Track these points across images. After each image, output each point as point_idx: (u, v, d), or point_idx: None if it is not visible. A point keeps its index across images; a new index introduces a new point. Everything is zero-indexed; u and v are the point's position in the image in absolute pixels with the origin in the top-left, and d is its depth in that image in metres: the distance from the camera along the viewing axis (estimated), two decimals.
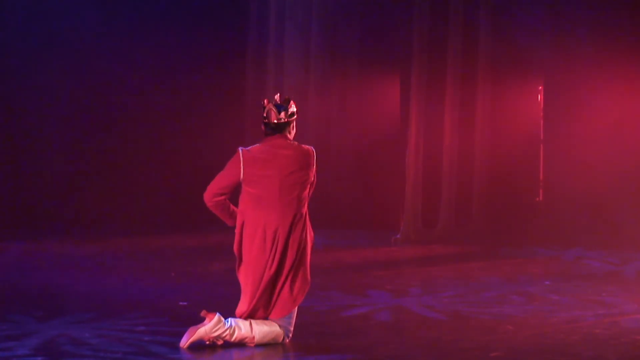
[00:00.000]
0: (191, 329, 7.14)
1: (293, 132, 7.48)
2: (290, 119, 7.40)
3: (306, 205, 7.35)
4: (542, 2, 14.63)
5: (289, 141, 7.38)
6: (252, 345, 7.15)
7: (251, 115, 16.66)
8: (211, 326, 7.12)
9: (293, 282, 7.24)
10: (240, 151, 7.33)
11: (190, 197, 16.12)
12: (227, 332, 7.14)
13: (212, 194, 7.38)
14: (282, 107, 7.38)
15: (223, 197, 7.39)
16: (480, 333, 7.80)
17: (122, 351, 6.99)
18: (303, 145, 7.40)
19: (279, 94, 7.56)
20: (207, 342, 7.16)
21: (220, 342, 7.16)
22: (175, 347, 7.11)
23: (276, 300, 7.22)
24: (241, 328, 7.15)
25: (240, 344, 7.16)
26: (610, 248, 12.96)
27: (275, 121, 7.35)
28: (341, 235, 14.51)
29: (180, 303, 8.96)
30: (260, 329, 7.17)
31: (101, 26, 15.92)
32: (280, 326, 7.20)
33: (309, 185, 7.35)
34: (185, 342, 7.11)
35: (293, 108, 7.43)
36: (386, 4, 15.77)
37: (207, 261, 11.87)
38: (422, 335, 7.75)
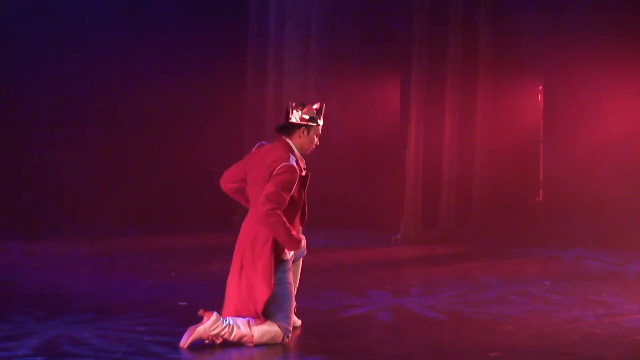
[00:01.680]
0: (190, 328, 7.15)
1: (305, 139, 7.22)
2: (302, 123, 7.21)
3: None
4: (542, 2, 14.64)
5: (283, 147, 7.20)
6: (251, 344, 7.15)
7: (251, 115, 16.67)
8: (209, 324, 7.12)
9: (250, 289, 7.16)
10: (256, 145, 7.37)
11: (190, 197, 16.21)
12: (226, 330, 7.14)
13: (223, 180, 7.51)
14: (298, 108, 7.28)
15: (235, 186, 7.44)
16: (480, 333, 7.80)
17: (122, 351, 6.99)
18: (284, 159, 7.14)
19: (319, 104, 7.38)
20: (207, 341, 7.16)
21: (219, 341, 7.16)
22: (175, 347, 7.11)
23: (237, 299, 7.22)
24: (240, 326, 7.16)
25: (240, 343, 7.17)
26: (610, 248, 12.96)
27: (292, 120, 7.29)
28: (341, 235, 14.51)
29: (180, 303, 8.96)
30: (259, 328, 7.17)
31: (101, 27, 15.92)
32: (279, 326, 7.20)
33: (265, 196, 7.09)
34: (184, 341, 7.11)
35: (312, 114, 7.23)
36: (386, 4, 15.77)
37: (207, 261, 11.87)
38: (422, 335, 7.75)
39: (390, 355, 7.12)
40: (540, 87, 15.09)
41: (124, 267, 11.51)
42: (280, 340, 7.20)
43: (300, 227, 7.41)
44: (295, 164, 7.15)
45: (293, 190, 7.14)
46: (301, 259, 7.66)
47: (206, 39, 16.50)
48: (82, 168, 16.04)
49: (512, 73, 14.90)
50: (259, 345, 7.16)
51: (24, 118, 15.78)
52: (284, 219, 7.11)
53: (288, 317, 7.23)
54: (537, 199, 15.14)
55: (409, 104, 14.48)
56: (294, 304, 7.42)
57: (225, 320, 7.16)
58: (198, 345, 7.14)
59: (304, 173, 7.27)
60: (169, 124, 16.46)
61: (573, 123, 14.31)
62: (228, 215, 15.52)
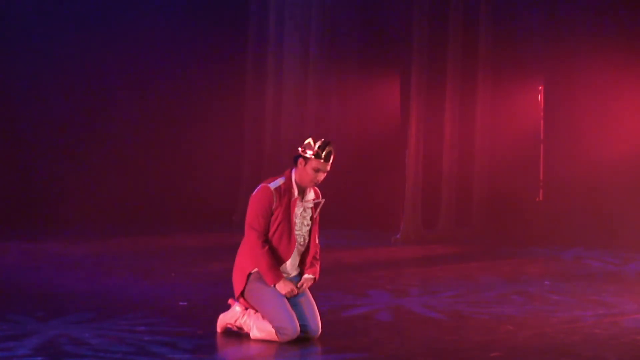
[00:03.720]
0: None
1: (302, 170, 7.31)
2: (300, 153, 7.33)
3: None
4: (541, 2, 14.64)
5: (282, 174, 7.39)
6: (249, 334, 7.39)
7: (251, 116, 16.67)
8: (229, 312, 7.51)
9: None
10: None
11: (189, 197, 16.21)
12: (240, 320, 7.44)
13: None
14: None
15: None
16: (480, 333, 7.80)
17: (122, 351, 6.99)
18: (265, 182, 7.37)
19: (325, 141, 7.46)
20: (234, 329, 7.50)
21: (238, 330, 7.47)
22: (176, 347, 7.11)
23: None
24: (251, 318, 7.39)
25: (242, 342, 7.22)
26: (610, 248, 12.96)
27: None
28: (341, 235, 14.51)
29: (180, 303, 8.96)
30: (257, 322, 7.36)
31: (100, 27, 15.92)
32: (273, 326, 7.26)
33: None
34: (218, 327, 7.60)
35: (309, 147, 7.31)
36: (386, 5, 15.77)
37: (207, 261, 11.87)
38: (422, 335, 7.75)
39: (390, 355, 7.12)
40: (540, 87, 15.09)
41: (124, 267, 11.51)
42: (277, 338, 7.23)
43: (290, 258, 7.40)
44: (272, 186, 7.26)
45: (273, 213, 7.25)
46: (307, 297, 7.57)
47: (206, 39, 16.49)
48: (82, 168, 16.04)
49: (512, 73, 14.91)
50: (255, 338, 7.32)
51: (24, 118, 15.78)
52: (264, 251, 7.26)
53: (278, 317, 7.23)
54: (537, 199, 15.14)
55: (409, 104, 14.48)
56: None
57: (244, 312, 7.45)
58: (197, 345, 7.16)
59: (295, 199, 7.32)
60: (169, 124, 16.46)
61: (573, 123, 14.32)
62: (228, 215, 15.52)
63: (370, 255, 13.01)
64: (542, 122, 15.07)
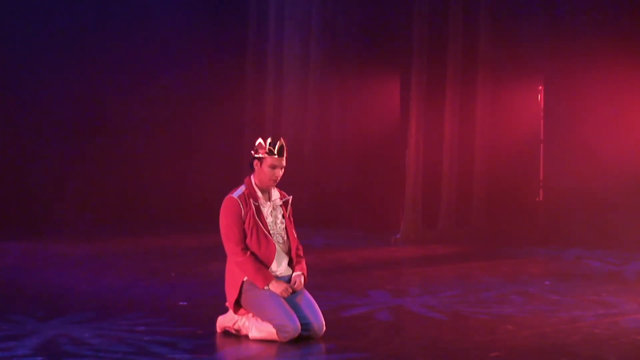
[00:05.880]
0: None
1: (259, 170, 7.42)
2: (254, 155, 7.45)
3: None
4: (541, 2, 14.64)
5: (243, 183, 7.47)
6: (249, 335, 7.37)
7: (250, 116, 16.67)
8: (229, 315, 7.50)
9: None
10: None
11: (189, 197, 16.21)
12: (239, 323, 7.44)
13: None
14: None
15: None
16: (480, 333, 7.80)
17: (122, 351, 6.99)
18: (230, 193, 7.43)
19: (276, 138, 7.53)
20: (233, 332, 7.49)
21: (236, 332, 7.45)
22: (175, 347, 7.11)
23: None
24: (247, 318, 7.39)
25: (243, 342, 7.22)
26: (610, 248, 12.96)
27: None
28: (341, 235, 14.51)
29: (180, 303, 8.97)
30: (256, 325, 7.36)
31: (100, 27, 15.92)
32: (273, 325, 7.27)
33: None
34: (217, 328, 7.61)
35: (260, 146, 7.42)
36: (386, 5, 15.77)
37: (207, 261, 11.87)
38: (422, 335, 7.75)
39: (390, 355, 7.12)
40: (540, 87, 15.09)
41: (124, 267, 11.51)
42: (277, 338, 7.24)
43: (275, 258, 7.43)
44: (236, 195, 7.36)
45: (244, 220, 7.33)
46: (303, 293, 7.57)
47: (205, 39, 16.49)
48: (82, 168, 16.04)
49: (512, 73, 14.91)
50: (255, 338, 7.33)
51: (24, 119, 15.78)
52: (247, 257, 7.31)
53: (277, 315, 7.24)
54: (537, 199, 15.14)
55: (409, 104, 14.49)
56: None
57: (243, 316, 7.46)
58: (197, 345, 7.15)
59: (259, 202, 7.39)
60: (169, 124, 16.46)
61: (573, 123, 14.31)
62: None
63: (370, 255, 13.01)
64: (542, 122, 15.07)
